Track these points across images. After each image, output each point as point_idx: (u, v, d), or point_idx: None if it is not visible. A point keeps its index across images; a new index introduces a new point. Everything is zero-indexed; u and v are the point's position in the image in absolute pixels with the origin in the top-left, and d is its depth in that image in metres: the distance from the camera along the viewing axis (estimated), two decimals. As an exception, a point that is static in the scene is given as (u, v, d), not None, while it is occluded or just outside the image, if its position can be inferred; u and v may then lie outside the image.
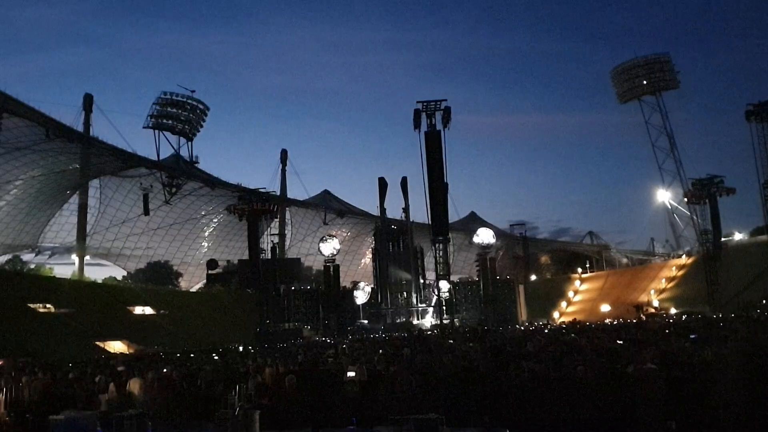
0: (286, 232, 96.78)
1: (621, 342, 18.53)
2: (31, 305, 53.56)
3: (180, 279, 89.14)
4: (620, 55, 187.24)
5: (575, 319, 61.27)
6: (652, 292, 72.49)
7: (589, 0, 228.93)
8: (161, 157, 72.93)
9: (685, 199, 73.11)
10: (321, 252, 74.39)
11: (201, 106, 71.69)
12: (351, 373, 12.58)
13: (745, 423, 9.49)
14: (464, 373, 12.63)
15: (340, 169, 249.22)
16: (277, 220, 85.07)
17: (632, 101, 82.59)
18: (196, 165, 77.35)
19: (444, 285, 58.60)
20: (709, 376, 10.66)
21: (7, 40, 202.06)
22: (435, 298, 67.12)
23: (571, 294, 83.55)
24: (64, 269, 79.54)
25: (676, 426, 10.23)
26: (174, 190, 75.79)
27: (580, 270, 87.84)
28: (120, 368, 18.48)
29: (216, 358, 26.65)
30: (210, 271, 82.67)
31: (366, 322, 73.71)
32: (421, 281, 76.99)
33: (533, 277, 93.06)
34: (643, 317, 54.58)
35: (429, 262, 79.45)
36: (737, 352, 12.76)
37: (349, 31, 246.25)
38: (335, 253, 74.34)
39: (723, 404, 9.84)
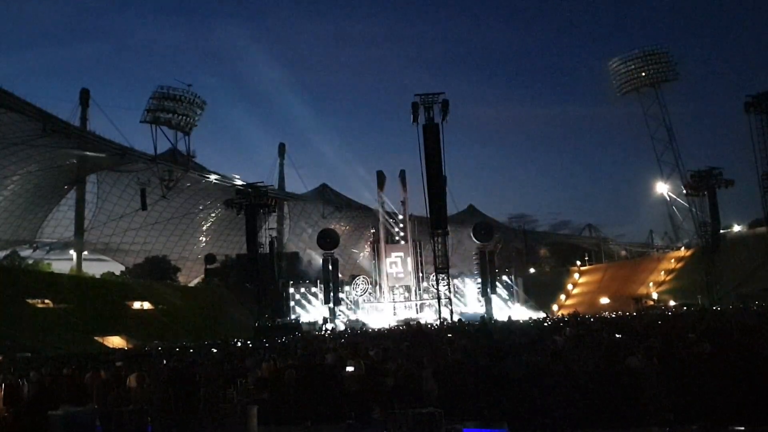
0: (284, 226, 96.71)
1: (620, 336, 18.52)
2: (30, 301, 53.53)
3: (178, 274, 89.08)
4: (619, 48, 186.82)
5: (576, 310, 61.27)
6: (651, 284, 72.58)
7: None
8: (158, 152, 72.66)
9: (684, 191, 72.95)
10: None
11: (198, 100, 71.36)
12: (350, 368, 12.56)
13: (741, 414, 9.50)
14: (463, 366, 12.60)
15: (338, 162, 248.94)
16: (275, 214, 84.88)
17: (631, 93, 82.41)
18: (193, 159, 77.13)
19: (443, 278, 58.53)
20: (707, 369, 10.65)
21: (3, 36, 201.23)
22: (434, 291, 67.08)
23: (570, 287, 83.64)
24: (62, 264, 79.54)
25: (674, 417, 10.25)
26: (171, 184, 75.59)
27: (579, 263, 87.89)
28: (118, 363, 18.45)
29: (215, 352, 26.63)
30: (208, 266, 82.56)
31: (365, 315, 73.65)
32: (420, 275, 76.91)
33: (532, 270, 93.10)
34: (641, 310, 54.61)
35: (428, 255, 79.59)
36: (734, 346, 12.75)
37: (347, 24, 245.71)
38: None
39: (720, 396, 9.84)
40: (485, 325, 37.62)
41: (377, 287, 76.60)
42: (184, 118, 70.39)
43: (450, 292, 60.97)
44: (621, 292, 70.78)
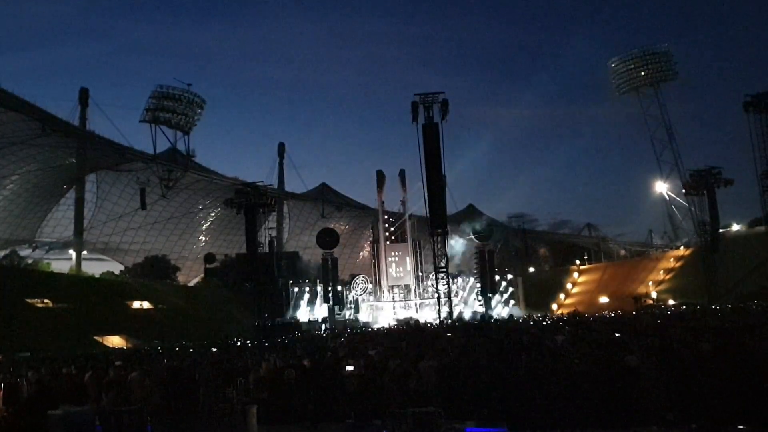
0: (284, 225, 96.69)
1: (618, 335, 18.52)
2: (29, 300, 53.52)
3: (178, 273, 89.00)
4: (618, 47, 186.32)
5: (575, 309, 61.26)
6: (651, 283, 72.53)
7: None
8: (158, 151, 72.68)
9: (684, 191, 73.02)
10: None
11: (197, 100, 71.37)
12: (350, 368, 12.56)
13: (741, 414, 9.50)
14: (462, 365, 12.60)
15: (338, 162, 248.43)
16: (275, 213, 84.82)
17: (630, 93, 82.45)
18: (193, 158, 77.10)
19: (442, 278, 58.54)
20: (706, 369, 10.64)
21: (3, 36, 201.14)
22: (433, 291, 67.11)
23: (569, 286, 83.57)
24: (61, 264, 79.30)
25: (674, 417, 10.25)
26: (171, 183, 75.57)
27: (578, 262, 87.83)
28: (117, 363, 18.43)
29: (215, 352, 26.65)
30: (208, 266, 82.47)
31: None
32: (420, 274, 76.94)
33: (532, 270, 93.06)
34: (640, 309, 54.52)
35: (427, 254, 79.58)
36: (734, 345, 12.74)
37: (347, 23, 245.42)
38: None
39: (720, 396, 9.83)
40: (485, 324, 37.63)
41: (377, 287, 76.64)
42: (184, 117, 70.41)
43: (450, 291, 60.94)
44: (620, 292, 70.74)
